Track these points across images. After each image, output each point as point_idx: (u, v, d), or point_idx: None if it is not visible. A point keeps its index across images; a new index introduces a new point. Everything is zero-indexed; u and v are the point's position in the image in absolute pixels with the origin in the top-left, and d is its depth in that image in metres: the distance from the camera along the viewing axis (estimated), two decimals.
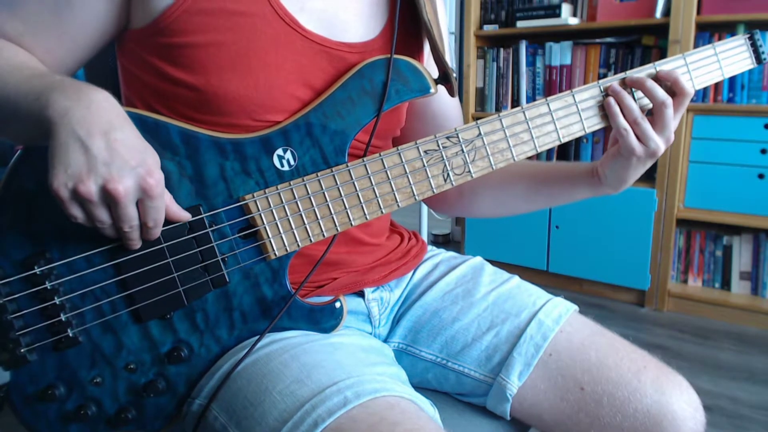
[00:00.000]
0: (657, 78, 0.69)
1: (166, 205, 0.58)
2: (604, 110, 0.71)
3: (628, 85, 0.70)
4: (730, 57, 0.75)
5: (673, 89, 0.69)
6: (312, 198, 0.65)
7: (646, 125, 0.68)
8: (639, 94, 0.70)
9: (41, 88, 0.54)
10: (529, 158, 0.72)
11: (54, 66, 0.64)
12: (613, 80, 0.71)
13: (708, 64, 0.74)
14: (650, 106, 0.70)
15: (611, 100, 0.69)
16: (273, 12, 0.64)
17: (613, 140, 0.74)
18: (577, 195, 0.80)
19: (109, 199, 0.53)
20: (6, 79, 0.57)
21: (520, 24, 2.48)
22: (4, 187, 0.59)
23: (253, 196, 0.63)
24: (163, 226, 0.58)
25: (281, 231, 0.64)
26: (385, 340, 0.81)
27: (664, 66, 0.71)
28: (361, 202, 0.66)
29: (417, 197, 0.67)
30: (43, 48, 0.63)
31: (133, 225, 0.55)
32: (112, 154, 0.52)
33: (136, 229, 0.56)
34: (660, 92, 0.68)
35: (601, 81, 0.71)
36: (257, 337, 0.64)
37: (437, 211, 0.95)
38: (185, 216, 0.60)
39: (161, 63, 0.63)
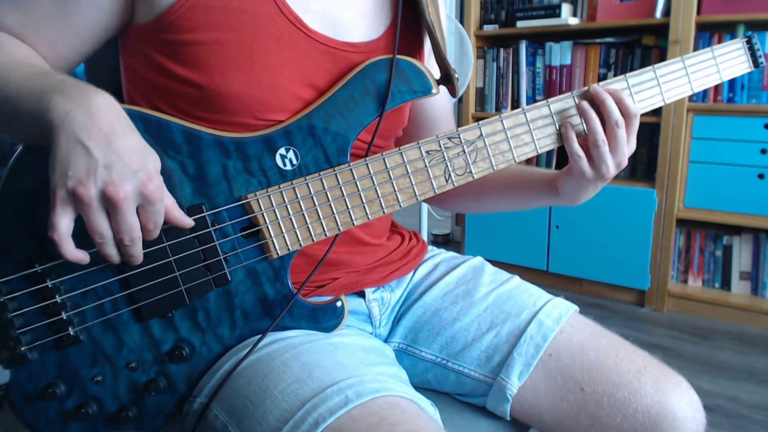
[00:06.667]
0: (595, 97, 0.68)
1: (170, 210, 0.57)
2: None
3: (591, 96, 0.69)
4: (728, 60, 0.75)
5: (621, 110, 0.68)
6: (314, 197, 0.65)
7: (606, 148, 0.68)
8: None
9: (42, 89, 0.54)
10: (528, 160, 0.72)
11: (56, 60, 0.63)
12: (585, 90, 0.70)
13: (706, 68, 0.74)
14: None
15: (568, 124, 0.69)
16: (278, 11, 0.63)
17: None
18: (537, 204, 0.81)
19: (108, 204, 0.51)
20: (7, 76, 0.56)
21: (520, 24, 2.48)
22: (4, 185, 0.59)
23: (256, 195, 0.63)
24: (166, 225, 0.58)
25: (283, 230, 0.64)
26: (386, 340, 0.81)
27: (611, 85, 0.70)
28: (363, 202, 0.66)
29: (419, 197, 0.67)
30: (45, 42, 0.63)
31: (134, 237, 0.53)
32: (113, 158, 0.51)
33: (137, 242, 0.54)
34: (615, 112, 0.67)
35: (583, 88, 0.71)
36: (258, 336, 0.64)
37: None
38: (187, 222, 0.60)
39: (165, 60, 0.63)
